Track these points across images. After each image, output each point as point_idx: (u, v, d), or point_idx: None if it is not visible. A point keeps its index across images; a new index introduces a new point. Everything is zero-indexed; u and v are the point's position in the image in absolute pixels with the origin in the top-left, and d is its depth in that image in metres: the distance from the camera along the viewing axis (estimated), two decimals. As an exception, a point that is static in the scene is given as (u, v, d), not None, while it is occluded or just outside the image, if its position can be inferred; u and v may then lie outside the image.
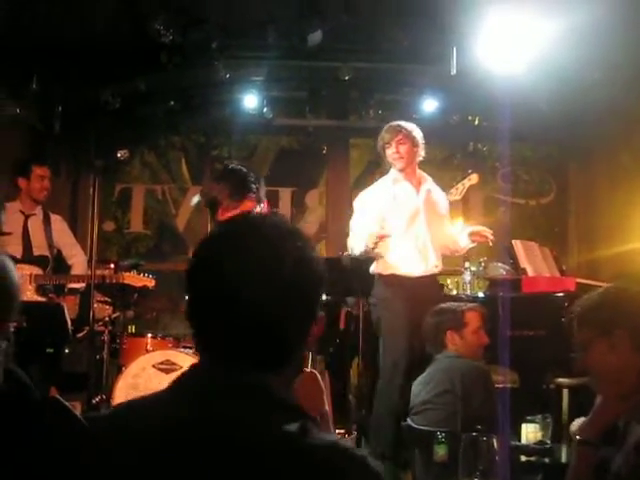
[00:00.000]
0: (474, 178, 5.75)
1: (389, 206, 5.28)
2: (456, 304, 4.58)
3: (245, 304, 1.30)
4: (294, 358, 1.39)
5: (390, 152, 5.28)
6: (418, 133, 5.34)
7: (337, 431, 5.92)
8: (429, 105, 8.06)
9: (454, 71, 6.55)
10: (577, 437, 2.38)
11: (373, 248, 5.05)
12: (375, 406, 5.23)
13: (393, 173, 5.40)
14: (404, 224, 5.25)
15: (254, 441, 1.22)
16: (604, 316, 2.33)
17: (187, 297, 1.39)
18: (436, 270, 5.34)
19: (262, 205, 4.06)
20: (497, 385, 4.87)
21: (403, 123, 5.38)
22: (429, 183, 5.45)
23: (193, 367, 1.37)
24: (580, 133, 7.94)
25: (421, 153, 5.36)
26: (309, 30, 6.49)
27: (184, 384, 1.33)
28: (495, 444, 2.58)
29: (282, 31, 6.67)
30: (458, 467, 2.57)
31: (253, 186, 3.96)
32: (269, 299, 1.30)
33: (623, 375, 2.30)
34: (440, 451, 2.91)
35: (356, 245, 5.19)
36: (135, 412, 1.32)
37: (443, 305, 4.56)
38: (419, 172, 5.44)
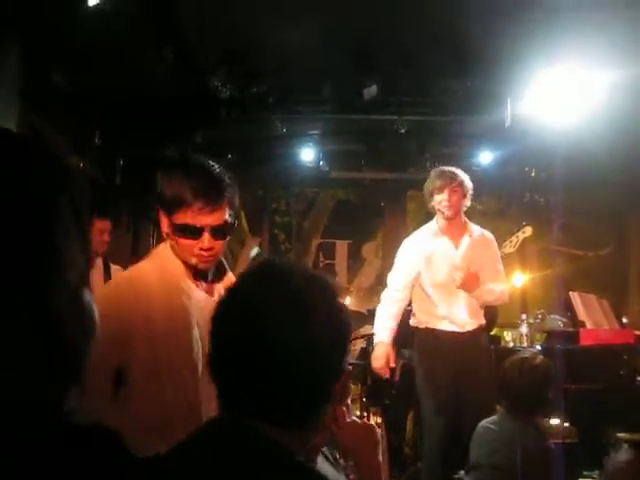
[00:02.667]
0: (528, 231, 5.72)
1: (425, 262, 5.04)
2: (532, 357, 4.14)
3: (276, 352, 1.23)
4: (316, 416, 1.32)
5: (440, 198, 4.95)
6: (469, 183, 5.03)
7: (391, 484, 5.87)
8: (485, 157, 8.06)
9: (509, 122, 6.54)
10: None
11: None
12: (422, 464, 5.16)
13: (434, 224, 5.12)
14: (439, 280, 5.00)
15: None
16: None
17: (212, 341, 1.33)
18: (473, 327, 4.98)
19: None
20: (554, 440, 4.73)
21: (456, 170, 5.05)
22: (473, 234, 5.11)
23: (212, 420, 1.32)
24: (638, 183, 7.83)
25: (467, 204, 5.05)
26: (364, 84, 6.57)
27: (200, 439, 1.29)
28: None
29: (338, 85, 6.77)
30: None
31: None
32: (301, 349, 1.24)
33: None
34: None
35: (378, 323, 5.19)
36: (162, 462, 1.28)
37: (539, 361, 4.04)
38: (464, 221, 5.12)
